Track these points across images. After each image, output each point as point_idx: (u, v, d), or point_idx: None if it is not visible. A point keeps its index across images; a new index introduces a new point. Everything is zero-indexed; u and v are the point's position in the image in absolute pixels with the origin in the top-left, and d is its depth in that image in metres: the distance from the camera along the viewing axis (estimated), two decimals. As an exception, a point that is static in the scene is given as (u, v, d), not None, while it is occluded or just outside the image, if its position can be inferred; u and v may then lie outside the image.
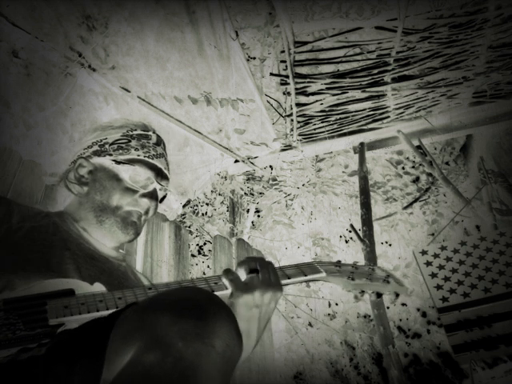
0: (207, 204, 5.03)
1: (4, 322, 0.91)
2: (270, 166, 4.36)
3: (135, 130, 1.41)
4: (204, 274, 4.99)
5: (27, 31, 2.07)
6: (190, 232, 4.85)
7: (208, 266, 5.00)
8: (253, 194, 5.11)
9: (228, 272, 1.12)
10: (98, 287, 1.07)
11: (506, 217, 3.34)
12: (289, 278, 1.16)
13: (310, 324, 4.89)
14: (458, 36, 2.63)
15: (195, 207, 5.01)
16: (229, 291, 1.09)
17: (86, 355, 0.79)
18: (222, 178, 4.23)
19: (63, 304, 0.96)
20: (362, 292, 1.21)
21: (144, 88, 2.51)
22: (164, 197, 1.46)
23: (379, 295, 1.26)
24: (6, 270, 1.09)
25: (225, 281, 1.10)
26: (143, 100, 2.53)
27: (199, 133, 2.88)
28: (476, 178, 3.93)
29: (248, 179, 4.84)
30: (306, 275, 1.18)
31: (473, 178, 4.15)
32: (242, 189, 4.73)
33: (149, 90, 2.52)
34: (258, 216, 5.14)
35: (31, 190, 1.82)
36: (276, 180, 4.55)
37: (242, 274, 1.12)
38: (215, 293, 1.07)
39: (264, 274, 1.10)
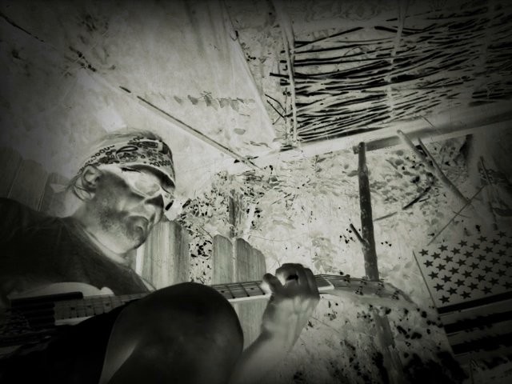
0: (207, 204, 5.03)
1: (11, 321, 0.93)
2: (270, 166, 4.36)
3: (142, 137, 1.44)
4: (204, 274, 4.99)
5: (27, 31, 2.07)
6: (190, 232, 4.85)
7: (208, 266, 5.00)
8: (253, 194, 5.11)
9: (269, 277, 1.14)
10: (106, 291, 1.09)
11: (506, 217, 3.33)
12: None
13: (310, 324, 4.89)
14: (458, 36, 2.63)
15: (195, 207, 5.01)
16: (268, 295, 1.11)
17: (87, 351, 0.80)
18: (222, 177, 4.22)
19: (70, 306, 0.98)
20: (371, 307, 1.22)
21: (144, 88, 2.51)
22: (170, 204, 1.49)
23: (388, 311, 1.27)
24: (15, 271, 1.11)
25: (265, 285, 1.12)
26: (143, 100, 2.53)
27: (199, 133, 2.88)
28: (476, 178, 3.92)
29: (248, 179, 4.83)
30: None
31: (473, 178, 4.15)
32: (242, 189, 4.73)
33: (149, 90, 2.52)
34: (258, 216, 5.14)
35: (31, 189, 1.82)
36: (276, 180, 4.55)
37: (282, 280, 1.14)
38: (253, 297, 1.10)
39: (303, 281, 1.12)
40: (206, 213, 4.97)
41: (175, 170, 1.50)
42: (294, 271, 1.14)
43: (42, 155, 2.18)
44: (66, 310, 0.97)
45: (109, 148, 1.41)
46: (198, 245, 5.06)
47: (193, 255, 4.99)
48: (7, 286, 1.05)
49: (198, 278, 4.96)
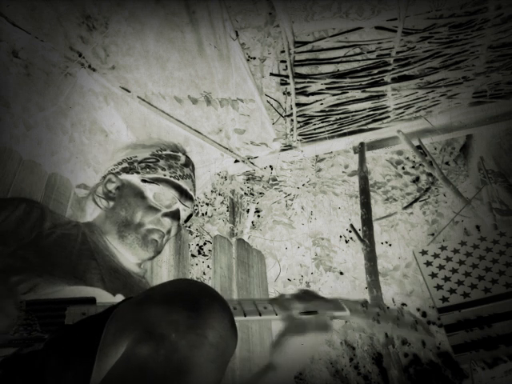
0: (207, 204, 5.03)
1: (22, 322, 0.94)
2: (270, 166, 4.36)
3: (165, 150, 1.45)
4: (204, 274, 4.99)
5: (27, 31, 2.07)
6: (190, 232, 4.85)
7: (208, 266, 5.00)
8: (253, 194, 5.11)
9: (286, 308, 1.09)
10: (120, 299, 1.08)
11: (506, 217, 3.33)
12: None
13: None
14: (458, 36, 2.63)
15: (195, 207, 5.01)
16: (277, 317, 1.08)
17: (80, 350, 0.80)
18: (222, 177, 4.23)
19: (81, 311, 0.99)
20: (387, 336, 1.17)
21: (144, 88, 2.51)
22: (190, 216, 1.49)
23: (404, 342, 1.21)
24: (33, 272, 1.11)
25: (278, 310, 1.08)
26: (143, 100, 2.53)
27: (199, 133, 2.88)
28: (476, 178, 3.92)
29: (248, 179, 4.83)
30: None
31: (473, 178, 4.14)
32: (242, 189, 4.73)
33: (149, 90, 2.52)
34: (258, 216, 5.14)
35: (31, 189, 1.82)
36: (276, 180, 4.55)
37: (298, 309, 1.10)
38: (265, 317, 1.06)
39: (322, 320, 1.10)
40: (206, 213, 4.97)
41: (196, 184, 1.51)
42: (315, 308, 1.10)
43: (42, 155, 2.18)
44: (77, 315, 0.98)
45: (131, 158, 1.42)
46: (198, 245, 5.06)
47: (193, 255, 4.99)
48: (23, 287, 1.06)
49: (198, 278, 4.95)
